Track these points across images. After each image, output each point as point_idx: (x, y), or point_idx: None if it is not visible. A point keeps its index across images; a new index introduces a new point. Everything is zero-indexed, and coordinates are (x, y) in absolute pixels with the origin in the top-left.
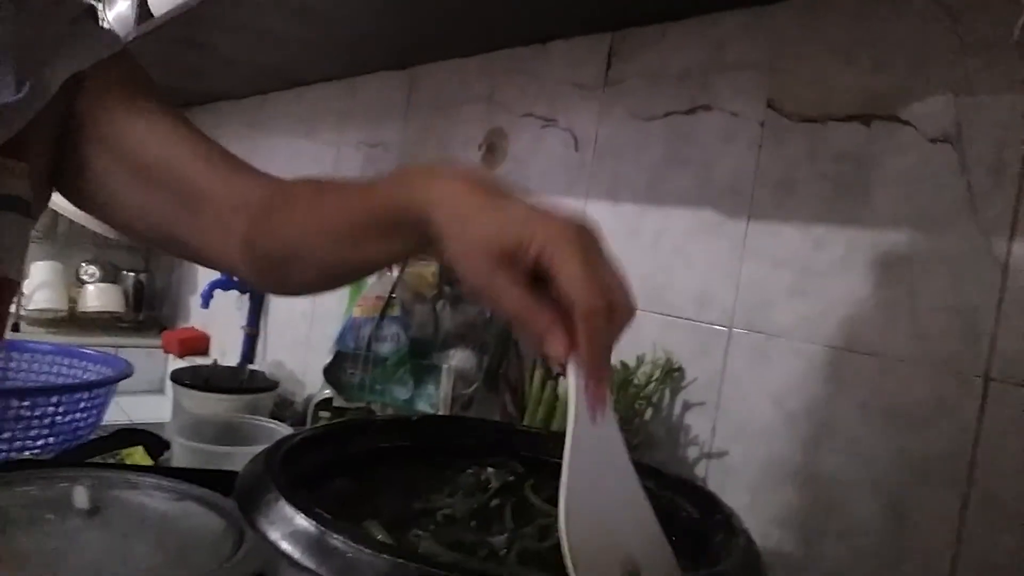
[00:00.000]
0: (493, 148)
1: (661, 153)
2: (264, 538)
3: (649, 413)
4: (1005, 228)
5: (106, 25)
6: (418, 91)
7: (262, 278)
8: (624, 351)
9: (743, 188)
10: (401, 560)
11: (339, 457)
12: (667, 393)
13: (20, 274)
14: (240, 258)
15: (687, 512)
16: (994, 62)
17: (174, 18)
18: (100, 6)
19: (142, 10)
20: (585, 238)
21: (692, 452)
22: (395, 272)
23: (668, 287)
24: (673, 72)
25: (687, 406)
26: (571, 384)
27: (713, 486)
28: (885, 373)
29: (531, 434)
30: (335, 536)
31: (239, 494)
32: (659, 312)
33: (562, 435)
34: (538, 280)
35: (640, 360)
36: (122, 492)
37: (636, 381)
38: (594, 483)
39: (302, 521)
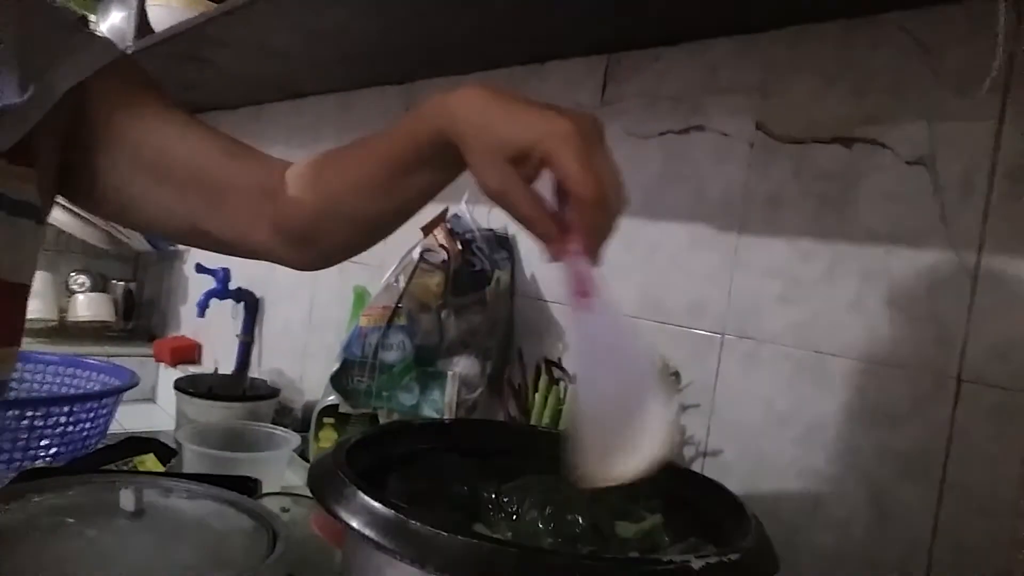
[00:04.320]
0: None
1: (656, 170)
2: (348, 527)
3: None
4: (974, 242)
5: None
6: (416, 106)
7: (297, 254)
8: None
9: (734, 204)
10: (475, 540)
11: (386, 457)
12: None
13: (31, 280)
14: (271, 241)
15: (698, 501)
16: (964, 92)
17: (177, 34)
18: (94, 18)
19: (141, 23)
20: (585, 135)
21: (688, 451)
22: (401, 283)
23: (664, 296)
24: (667, 94)
25: (683, 409)
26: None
27: None
28: (867, 375)
29: (553, 435)
30: (412, 521)
31: (315, 491)
32: (655, 320)
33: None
34: (562, 192)
35: None
36: (160, 496)
37: None
38: (604, 368)
39: (381, 509)
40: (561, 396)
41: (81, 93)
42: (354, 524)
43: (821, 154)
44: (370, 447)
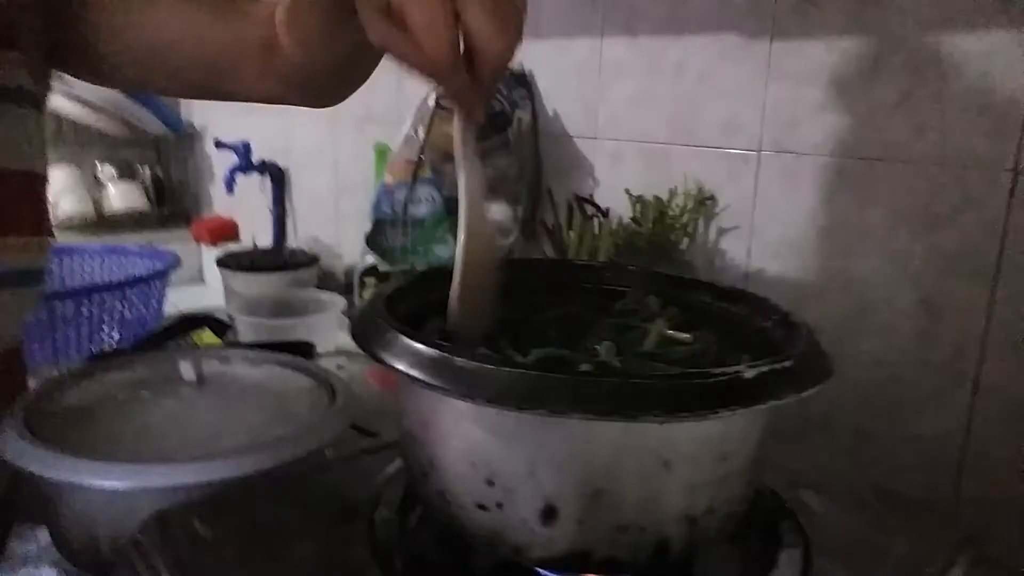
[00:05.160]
0: None
1: None
2: (394, 370)
3: (686, 243)
4: None
5: None
6: None
7: (309, 97)
8: (655, 187)
9: (764, 6)
10: (521, 370)
11: (424, 303)
12: (701, 222)
13: (46, 168)
14: (282, 89)
15: (745, 317)
16: None
17: None
18: None
19: None
20: None
21: (730, 274)
22: (420, 135)
23: (694, 118)
24: None
25: (722, 232)
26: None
27: None
28: (914, 177)
29: (592, 267)
30: (457, 358)
31: (359, 340)
32: (687, 144)
33: (618, 264)
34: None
35: (672, 192)
36: (218, 365)
37: (671, 213)
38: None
39: (425, 349)
40: (596, 232)
41: None
42: (400, 367)
43: None
44: (407, 295)
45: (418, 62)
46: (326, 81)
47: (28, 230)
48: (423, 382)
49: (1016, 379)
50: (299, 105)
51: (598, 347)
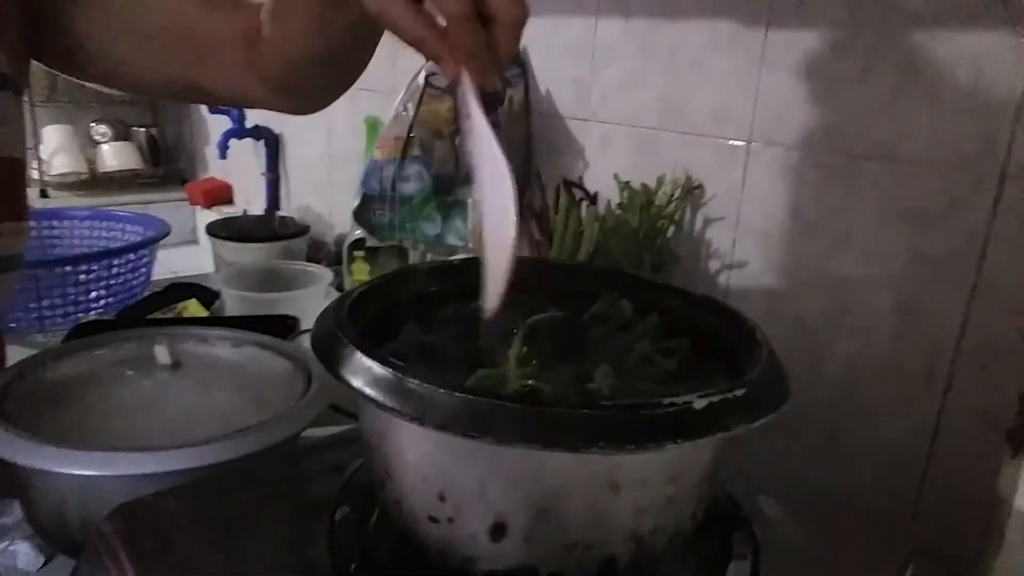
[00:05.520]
0: None
1: None
2: (349, 386)
3: (671, 231)
4: None
5: None
6: None
7: (287, 101)
8: (644, 172)
9: None
10: (471, 396)
11: (394, 305)
12: (687, 211)
13: (24, 152)
14: (261, 91)
15: (713, 328)
16: None
17: None
18: None
19: None
20: None
21: (713, 265)
22: (410, 112)
23: (685, 105)
24: None
25: (708, 222)
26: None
27: (734, 295)
28: (902, 178)
29: (566, 267)
30: (410, 380)
31: (318, 351)
32: (677, 131)
33: (593, 266)
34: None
35: (660, 180)
36: (196, 346)
37: (657, 201)
38: (485, 195)
39: (379, 370)
40: (582, 217)
41: None
42: (355, 383)
43: None
44: (378, 297)
45: (423, 26)
46: (305, 82)
47: (5, 216)
48: (376, 401)
49: (986, 388)
50: (275, 109)
51: (594, 372)
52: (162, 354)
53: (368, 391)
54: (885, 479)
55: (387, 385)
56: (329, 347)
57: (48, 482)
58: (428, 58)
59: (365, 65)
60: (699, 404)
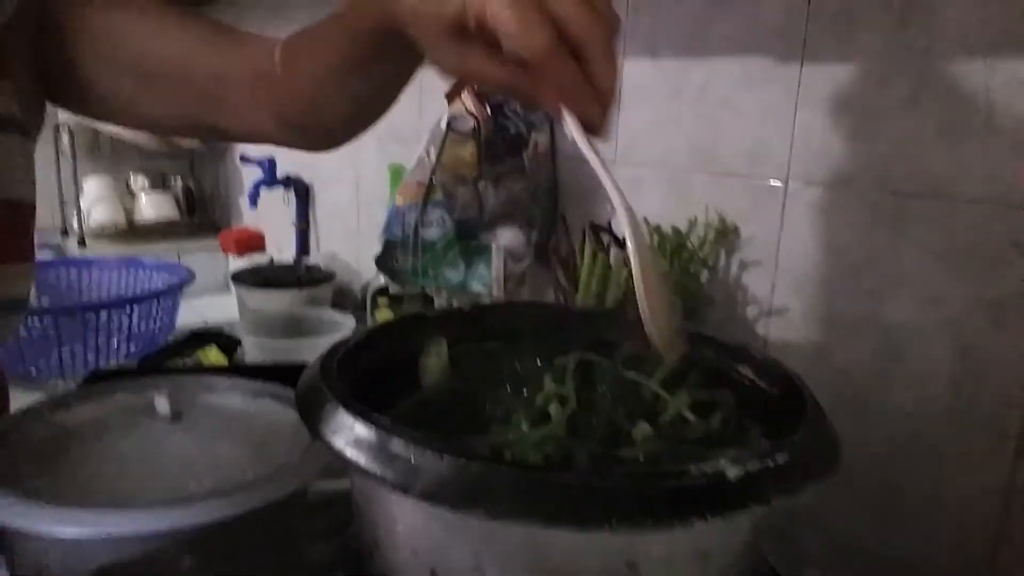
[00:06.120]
0: None
1: None
2: (328, 447)
3: (705, 276)
4: None
5: None
6: None
7: (303, 139)
8: (675, 215)
9: (795, 27)
10: (463, 460)
11: (399, 355)
12: (723, 254)
13: (33, 195)
14: (275, 128)
15: (749, 380)
16: None
17: None
18: None
19: None
20: None
21: (751, 311)
22: (432, 157)
23: (717, 144)
24: None
25: (744, 266)
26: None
27: (774, 344)
28: (956, 216)
29: (587, 314)
30: (396, 441)
31: (300, 404)
32: (709, 172)
33: (619, 312)
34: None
35: (692, 223)
36: (201, 395)
37: (689, 245)
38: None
39: (362, 428)
40: (610, 262)
41: None
42: (336, 444)
43: None
44: (381, 345)
45: (509, 73)
46: (324, 124)
47: (11, 258)
48: (356, 466)
49: None
50: (291, 147)
51: (632, 431)
52: (161, 404)
53: (348, 453)
54: (952, 543)
55: (370, 446)
56: (311, 401)
57: (30, 541)
58: (524, 104)
59: (389, 108)
60: (733, 473)
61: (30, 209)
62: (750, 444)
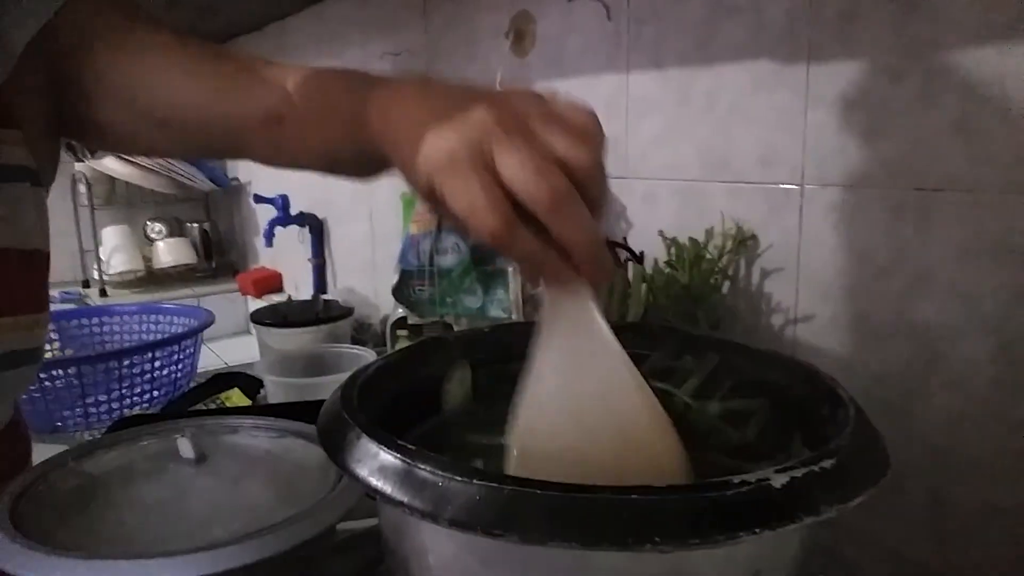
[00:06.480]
0: (521, 34)
1: (703, 5)
2: (354, 477)
3: (726, 287)
4: None
5: None
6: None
7: (320, 171)
8: (691, 226)
9: (800, 28)
10: (494, 483)
11: (420, 380)
12: (742, 263)
13: (46, 244)
14: (289, 163)
15: (784, 387)
16: None
17: None
18: None
19: None
20: (476, 142)
21: (776, 320)
22: None
23: (729, 151)
24: None
25: (765, 273)
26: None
27: (803, 353)
28: (982, 208)
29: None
30: (422, 466)
31: (322, 435)
32: (722, 180)
33: (643, 324)
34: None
35: (709, 233)
36: (225, 437)
37: (708, 256)
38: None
39: (386, 456)
40: (629, 278)
41: (51, 36)
42: (360, 474)
43: None
44: (401, 372)
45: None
46: (334, 168)
47: (26, 309)
48: (382, 494)
49: None
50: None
51: None
52: (185, 448)
53: (374, 482)
54: (1013, 558)
55: (395, 474)
56: (332, 431)
57: None
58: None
59: None
60: (778, 481)
61: (44, 259)
62: (792, 451)
